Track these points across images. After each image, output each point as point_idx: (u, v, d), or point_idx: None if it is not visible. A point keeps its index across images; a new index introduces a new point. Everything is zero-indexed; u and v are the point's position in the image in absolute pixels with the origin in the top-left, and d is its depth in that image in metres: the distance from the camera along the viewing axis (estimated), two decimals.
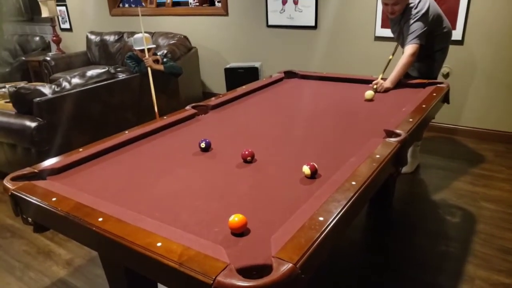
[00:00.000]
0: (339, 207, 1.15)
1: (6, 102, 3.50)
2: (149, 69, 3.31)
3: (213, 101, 2.37)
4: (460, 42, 3.44)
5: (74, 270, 2.19)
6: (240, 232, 1.09)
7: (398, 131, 1.69)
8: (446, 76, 3.53)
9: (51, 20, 6.11)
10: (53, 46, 6.36)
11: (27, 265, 2.25)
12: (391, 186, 2.58)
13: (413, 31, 2.53)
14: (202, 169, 1.57)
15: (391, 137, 1.66)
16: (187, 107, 2.24)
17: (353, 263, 2.15)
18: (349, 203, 1.18)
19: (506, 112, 3.45)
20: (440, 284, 1.95)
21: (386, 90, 2.49)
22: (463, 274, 2.01)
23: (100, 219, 1.17)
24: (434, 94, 2.27)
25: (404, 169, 3.01)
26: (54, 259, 2.29)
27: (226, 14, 4.76)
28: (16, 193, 1.40)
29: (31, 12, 8.29)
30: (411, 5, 2.56)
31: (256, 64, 4.46)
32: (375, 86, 2.49)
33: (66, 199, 1.31)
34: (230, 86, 4.35)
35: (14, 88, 2.80)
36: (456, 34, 3.36)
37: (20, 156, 2.97)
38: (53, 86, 2.90)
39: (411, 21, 2.54)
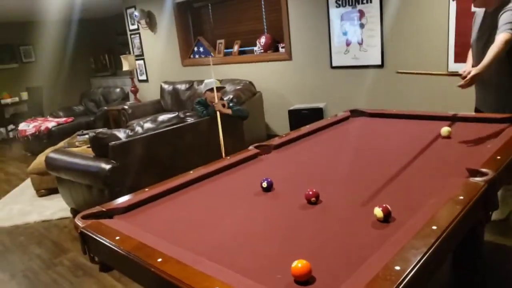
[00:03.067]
0: (419, 255, 1.00)
1: (88, 147, 3.82)
2: (218, 112, 3.42)
3: (276, 140, 2.33)
4: None
5: None
6: (304, 280, 0.98)
7: (484, 170, 1.49)
8: None
9: (130, 73, 6.72)
10: (131, 96, 6.95)
11: None
12: (480, 235, 2.26)
13: (508, 22, 2.21)
14: (264, 209, 1.50)
15: (476, 176, 1.46)
16: (250, 147, 2.22)
17: None
18: (431, 251, 1.02)
19: None
20: None
21: (474, 77, 2.16)
22: None
23: (160, 260, 1.14)
24: None
25: (495, 216, 2.66)
26: None
27: (290, 59, 4.85)
28: (84, 231, 1.44)
29: (114, 67, 9.28)
30: (505, 2, 2.31)
31: (321, 105, 4.41)
32: (462, 82, 2.18)
33: (129, 238, 1.31)
34: (294, 127, 4.31)
35: (93, 133, 3.04)
36: None
37: (95, 197, 3.15)
38: (127, 131, 3.09)
39: (507, 12, 2.24)
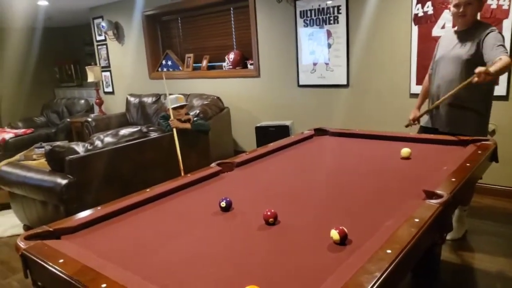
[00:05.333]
0: (372, 280, 0.98)
1: (46, 160, 3.63)
2: (174, 130, 3.35)
3: (239, 158, 2.29)
4: (505, 98, 3.25)
5: None
6: None
7: (439, 192, 1.51)
8: (492, 133, 3.30)
9: (96, 85, 6.53)
10: (96, 108, 6.74)
11: None
12: (436, 255, 2.30)
13: (500, 44, 2.31)
14: (220, 230, 1.45)
15: (431, 198, 1.48)
16: (212, 165, 2.17)
17: None
18: (384, 275, 1.00)
19: None
20: None
21: (488, 75, 2.15)
22: None
23: (104, 285, 1.06)
24: (480, 152, 2.07)
25: (451, 235, 2.72)
26: None
27: (258, 76, 4.88)
28: (26, 253, 1.33)
29: (81, 78, 9.00)
30: (486, 25, 2.43)
31: (287, 123, 4.43)
32: (476, 79, 2.16)
33: (73, 261, 1.22)
34: (261, 144, 4.30)
35: (49, 147, 2.89)
36: (499, 90, 3.20)
37: (50, 214, 2.98)
38: (86, 145, 2.97)
39: (494, 39, 2.34)
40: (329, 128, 2.89)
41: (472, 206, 2.94)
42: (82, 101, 7.10)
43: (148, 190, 1.84)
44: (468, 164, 1.87)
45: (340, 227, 1.25)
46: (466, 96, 2.47)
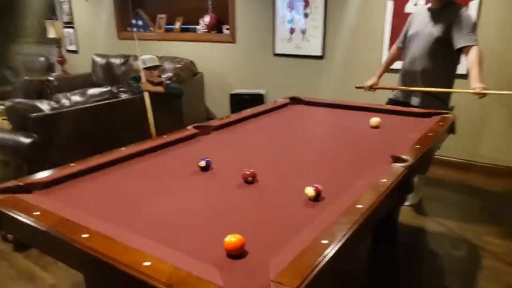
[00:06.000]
0: (344, 230, 1.06)
1: (4, 119, 3.45)
2: (145, 93, 3.26)
3: (216, 122, 2.31)
4: (465, 77, 3.42)
5: None
6: (237, 254, 1.00)
7: (404, 156, 1.62)
8: (452, 108, 3.48)
9: (57, 42, 6.18)
10: (58, 67, 6.42)
11: None
12: (396, 217, 2.47)
13: (471, 31, 2.47)
14: (200, 188, 1.49)
15: (398, 162, 1.59)
16: (189, 127, 2.18)
17: None
18: (355, 227, 1.09)
19: None
20: None
21: (485, 91, 2.37)
22: None
23: (85, 235, 1.08)
24: (441, 123, 2.21)
25: (409, 201, 2.91)
26: (37, 284, 2.15)
27: (234, 42, 4.81)
28: None
29: (39, 33, 8.40)
30: (457, 5, 2.55)
31: (262, 91, 4.45)
32: (478, 97, 2.39)
33: (49, 214, 1.22)
34: (235, 111, 4.29)
35: (10, 103, 2.76)
36: (461, 68, 3.35)
37: (12, 174, 2.88)
38: (51, 103, 2.86)
39: (466, 22, 2.48)
40: (304, 97, 2.95)
41: (428, 176, 3.15)
42: (42, 59, 6.69)
43: (123, 148, 1.83)
44: (430, 134, 2.00)
45: (315, 185, 1.32)
46: (435, 72, 2.64)
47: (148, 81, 3.38)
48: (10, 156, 2.81)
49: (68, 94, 3.02)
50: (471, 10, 3.23)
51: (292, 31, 4.32)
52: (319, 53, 4.19)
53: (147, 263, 0.93)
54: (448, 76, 2.71)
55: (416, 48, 2.69)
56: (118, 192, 1.46)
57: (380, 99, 2.94)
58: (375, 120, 2.28)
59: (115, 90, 3.28)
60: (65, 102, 2.92)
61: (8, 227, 1.33)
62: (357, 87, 3.01)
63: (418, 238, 2.58)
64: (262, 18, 4.50)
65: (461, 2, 3.07)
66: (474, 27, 2.51)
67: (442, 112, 2.44)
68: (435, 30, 2.60)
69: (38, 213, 1.23)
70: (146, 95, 3.26)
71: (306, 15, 4.18)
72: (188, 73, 4.48)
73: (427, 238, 2.56)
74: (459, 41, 2.49)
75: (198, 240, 1.11)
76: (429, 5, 2.73)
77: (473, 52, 2.45)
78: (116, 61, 5.43)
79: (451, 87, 2.75)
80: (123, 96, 3.32)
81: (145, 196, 1.42)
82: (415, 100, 2.75)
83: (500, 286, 2.05)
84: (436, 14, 2.63)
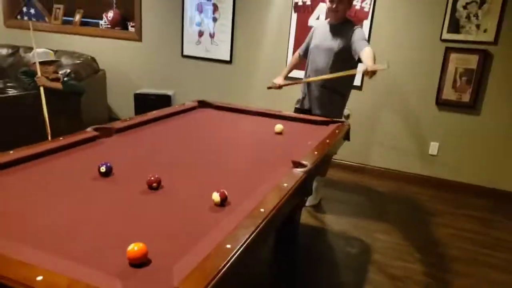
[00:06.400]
0: (247, 234, 1.12)
1: None
2: (41, 88, 2.99)
3: (118, 124, 2.22)
4: (359, 88, 3.82)
5: None
6: (139, 262, 0.98)
7: (304, 162, 1.75)
8: (347, 117, 3.85)
9: None
10: None
11: None
12: (297, 219, 2.65)
13: (365, 39, 2.76)
14: (102, 195, 1.42)
15: (297, 167, 1.71)
16: (88, 129, 2.05)
17: None
18: (257, 230, 1.15)
19: (399, 153, 3.88)
20: None
21: (375, 71, 2.51)
22: None
23: None
24: (337, 131, 2.43)
25: (309, 202, 3.14)
26: None
27: (140, 40, 4.65)
28: None
29: None
30: (353, 23, 2.84)
31: (169, 92, 4.37)
32: (367, 77, 2.54)
33: None
34: (139, 112, 4.13)
35: None
36: (355, 81, 3.72)
37: None
38: None
39: (359, 31, 2.79)
40: (212, 101, 2.98)
41: (326, 178, 3.43)
42: None
43: (11, 152, 1.66)
44: (328, 141, 2.19)
45: (221, 190, 1.37)
46: (336, 81, 2.86)
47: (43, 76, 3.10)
48: None
49: None
50: (365, 28, 3.62)
51: (200, 34, 4.33)
52: (227, 58, 4.28)
53: (39, 277, 0.87)
54: (346, 86, 2.99)
55: (319, 60, 2.94)
56: (5, 199, 1.32)
57: (287, 107, 3.12)
58: (278, 127, 2.41)
59: (1, 85, 2.93)
60: None
61: None
62: (268, 88, 3.16)
63: (317, 238, 2.79)
64: (170, 18, 4.44)
65: (356, 21, 3.43)
66: (366, 39, 2.84)
67: (339, 121, 2.69)
68: (334, 44, 2.87)
69: None
70: (42, 91, 2.98)
71: (215, 19, 4.24)
72: (89, 70, 4.20)
73: (325, 237, 2.79)
74: (356, 50, 2.76)
75: (97, 250, 1.06)
76: (329, 20, 2.99)
77: (366, 49, 2.70)
78: (3, 51, 4.84)
79: (347, 95, 3.04)
80: (11, 92, 2.98)
81: (38, 203, 1.31)
82: (316, 110, 2.98)
83: (387, 278, 2.33)
84: (334, 29, 2.90)
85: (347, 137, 2.62)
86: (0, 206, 1.28)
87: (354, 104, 3.76)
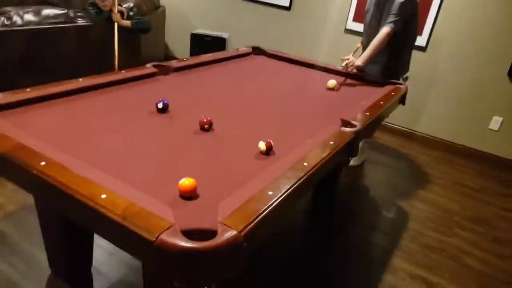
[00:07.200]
0: (289, 185, 1.17)
1: None
2: (115, 24, 3.12)
3: (175, 63, 2.29)
4: (423, 49, 3.59)
5: (5, 215, 2.07)
6: (189, 195, 1.08)
7: (354, 122, 1.74)
8: (405, 79, 3.68)
9: None
10: None
11: None
12: (338, 175, 2.67)
13: (395, 13, 2.54)
14: (157, 129, 1.53)
15: (346, 126, 1.71)
16: (148, 65, 2.15)
17: (294, 245, 2.24)
18: (298, 182, 1.21)
19: (453, 123, 3.69)
20: (366, 271, 2.09)
21: (357, 68, 2.50)
22: (389, 264, 2.16)
23: (43, 163, 1.11)
24: (393, 93, 2.36)
25: (352, 162, 3.14)
26: None
27: None
28: None
29: None
30: None
31: (225, 35, 4.37)
32: (345, 63, 2.50)
33: (5, 138, 1.22)
34: (195, 52, 4.23)
35: None
36: (421, 40, 3.50)
37: None
38: (2, 19, 2.64)
39: (397, 2, 2.54)
40: (267, 49, 2.96)
41: (373, 140, 3.38)
42: None
43: (81, 79, 1.79)
44: (381, 103, 2.14)
45: (267, 140, 1.42)
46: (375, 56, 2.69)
47: (108, 9, 3.19)
48: None
49: (21, 12, 2.79)
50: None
51: None
52: (286, 4, 4.13)
53: (103, 196, 0.99)
54: (398, 50, 2.78)
55: (369, 27, 2.81)
56: (74, 123, 1.46)
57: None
58: (331, 82, 2.38)
59: (72, 14, 3.07)
60: (17, 19, 2.71)
61: None
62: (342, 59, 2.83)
63: (355, 198, 2.82)
64: None
65: None
66: (401, 8, 2.54)
67: (396, 82, 2.59)
68: (377, 14, 2.70)
69: None
70: (116, 28, 3.11)
71: None
72: (150, 6, 4.24)
73: (363, 198, 2.81)
74: (384, 22, 2.60)
75: (151, 178, 1.18)
76: None
77: (381, 32, 2.57)
78: None
79: (403, 58, 2.87)
80: (80, 21, 3.12)
81: (102, 130, 1.44)
82: (372, 68, 2.87)
83: (420, 246, 2.34)
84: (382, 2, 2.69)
85: (402, 101, 2.54)
86: (71, 128, 1.42)
87: (416, 65, 3.57)
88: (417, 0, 2.65)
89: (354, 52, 2.77)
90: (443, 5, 3.42)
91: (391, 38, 2.58)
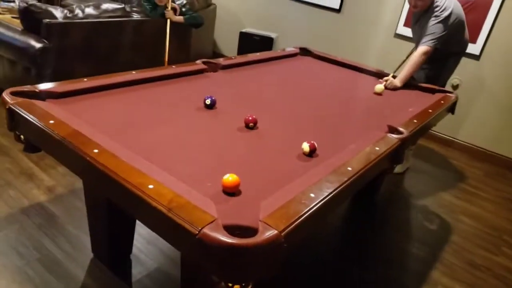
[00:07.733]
0: (331, 188, 1.16)
1: (13, 17, 3.40)
2: (168, 20, 3.25)
3: (224, 60, 2.33)
4: (476, 57, 3.41)
5: (55, 197, 2.20)
6: (232, 191, 1.10)
7: (401, 129, 1.69)
8: (456, 87, 3.52)
9: None
10: None
11: (8, 183, 2.26)
12: (380, 182, 2.61)
13: (431, 33, 2.51)
14: (204, 125, 1.57)
15: (393, 133, 1.67)
16: (198, 61, 2.21)
17: (329, 250, 2.21)
18: (341, 187, 1.19)
19: (504, 136, 3.48)
20: (404, 283, 2.02)
21: (395, 88, 2.48)
22: (428, 277, 2.08)
23: (96, 151, 1.17)
24: (442, 102, 2.27)
25: (396, 169, 3.04)
26: (36, 183, 2.29)
27: None
28: (14, 108, 1.38)
29: None
30: (436, 4, 2.53)
31: (273, 35, 4.38)
32: (385, 83, 2.47)
33: (63, 124, 1.30)
34: (242, 51, 4.28)
35: (25, 4, 2.71)
36: (474, 48, 3.33)
37: (19, 75, 2.91)
38: (65, 11, 2.81)
39: (432, 22, 2.52)
40: (314, 50, 2.94)
41: (417, 147, 3.26)
42: None
43: (134, 72, 1.87)
44: (430, 110, 2.06)
45: (311, 141, 1.41)
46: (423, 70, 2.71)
47: (162, 4, 3.31)
48: (18, 57, 2.82)
49: (82, 5, 2.96)
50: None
51: None
52: (336, 6, 4.07)
53: (151, 186, 1.03)
54: (441, 62, 2.73)
55: (415, 40, 2.79)
56: (126, 114, 1.53)
57: (393, 66, 2.94)
58: (379, 87, 2.32)
59: (128, 9, 3.21)
60: (78, 12, 2.87)
61: (22, 129, 1.41)
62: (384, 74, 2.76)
63: (396, 206, 2.74)
64: None
65: None
66: (437, 26, 2.50)
67: (446, 91, 2.48)
68: (419, 30, 2.66)
69: (52, 121, 1.30)
70: (168, 24, 3.24)
71: None
72: (202, 3, 4.34)
73: (404, 207, 2.72)
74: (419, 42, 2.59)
75: (196, 173, 1.21)
76: None
77: (417, 51, 2.56)
78: None
79: (447, 68, 2.81)
80: (135, 16, 3.26)
81: (152, 122, 1.50)
82: (419, 75, 2.78)
83: (463, 262, 2.23)
84: (418, 16, 2.68)
85: (451, 109, 2.43)
86: (122, 119, 1.49)
87: (467, 73, 3.41)
88: (458, 13, 2.58)
89: (407, 57, 2.71)
90: (500, 13, 3.22)
91: (430, 54, 2.54)
